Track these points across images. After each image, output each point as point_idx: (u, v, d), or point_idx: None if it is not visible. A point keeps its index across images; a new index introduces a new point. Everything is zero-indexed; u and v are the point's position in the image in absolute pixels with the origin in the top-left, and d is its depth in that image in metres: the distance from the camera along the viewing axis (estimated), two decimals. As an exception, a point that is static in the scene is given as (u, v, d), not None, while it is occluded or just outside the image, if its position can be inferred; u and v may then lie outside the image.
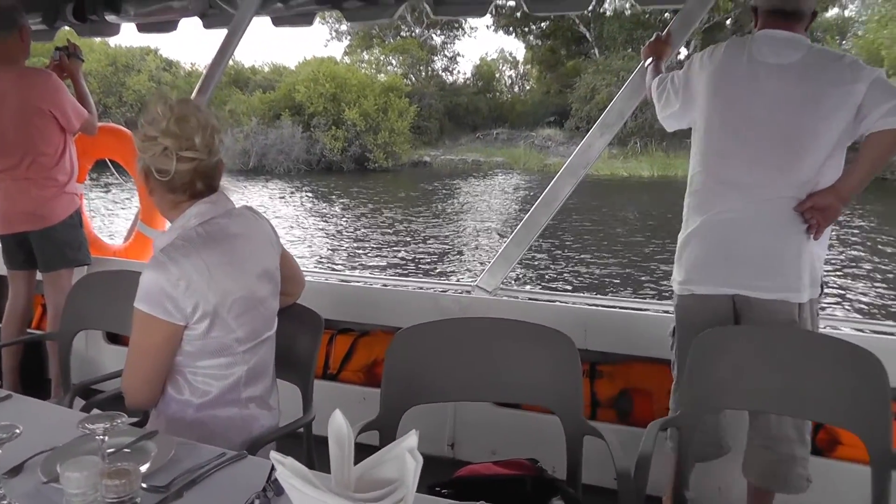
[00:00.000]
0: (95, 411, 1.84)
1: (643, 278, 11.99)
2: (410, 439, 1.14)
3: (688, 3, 3.07)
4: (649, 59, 2.97)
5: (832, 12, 33.46)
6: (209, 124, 1.83)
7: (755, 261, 2.35)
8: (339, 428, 1.15)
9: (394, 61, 39.60)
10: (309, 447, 2.25)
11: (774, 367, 2.14)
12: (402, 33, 40.33)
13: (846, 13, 34.07)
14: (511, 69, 43.54)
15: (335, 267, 13.22)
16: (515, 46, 72.28)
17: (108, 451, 1.40)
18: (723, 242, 2.39)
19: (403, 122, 32.78)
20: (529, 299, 3.60)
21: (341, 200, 22.31)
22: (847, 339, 2.09)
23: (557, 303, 3.55)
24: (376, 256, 14.17)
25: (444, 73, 41.05)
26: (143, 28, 4.39)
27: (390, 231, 17.13)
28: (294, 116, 32.35)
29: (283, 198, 23.01)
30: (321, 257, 14.06)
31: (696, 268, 2.46)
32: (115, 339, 4.11)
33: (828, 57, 2.32)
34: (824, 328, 3.17)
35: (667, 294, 9.80)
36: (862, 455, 2.00)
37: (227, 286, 1.84)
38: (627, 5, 31.99)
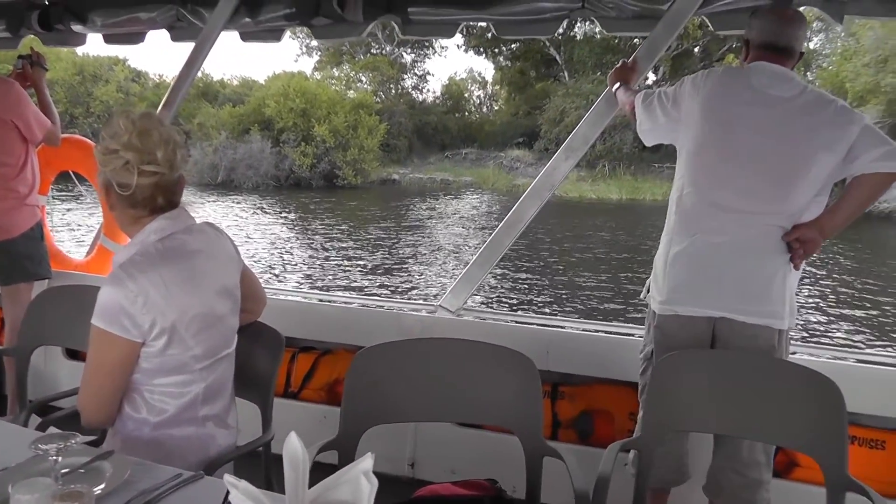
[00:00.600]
0: (52, 429, 1.82)
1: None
2: (366, 462, 1.14)
3: (654, 30, 3.13)
4: (616, 85, 3.01)
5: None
6: (171, 139, 1.83)
7: (743, 285, 2.37)
8: (293, 451, 1.15)
9: (364, 78, 39.72)
10: (267, 467, 2.23)
11: (737, 391, 2.18)
12: (373, 50, 40.45)
13: (811, 45, 34.84)
14: (480, 89, 44.00)
15: (298, 284, 13.18)
16: (484, 66, 73.07)
17: (62, 471, 1.38)
18: (712, 264, 2.40)
19: (373, 139, 32.88)
20: (493, 320, 3.61)
21: (319, 220, 22.17)
22: (806, 366, 2.13)
23: (521, 324, 3.55)
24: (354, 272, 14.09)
25: (413, 92, 41.32)
26: (109, 39, 4.34)
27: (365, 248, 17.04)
28: (263, 131, 32.26)
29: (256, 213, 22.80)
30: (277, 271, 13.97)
31: (681, 288, 2.45)
32: (74, 354, 4.02)
33: (823, 97, 2.40)
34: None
35: (634, 317, 9.92)
36: (818, 477, 2.05)
37: (185, 303, 1.83)
38: (597, 30, 32.39)
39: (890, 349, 9.55)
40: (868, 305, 12.52)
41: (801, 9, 2.89)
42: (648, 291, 2.62)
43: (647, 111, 2.69)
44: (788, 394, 2.12)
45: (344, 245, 17.37)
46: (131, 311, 1.74)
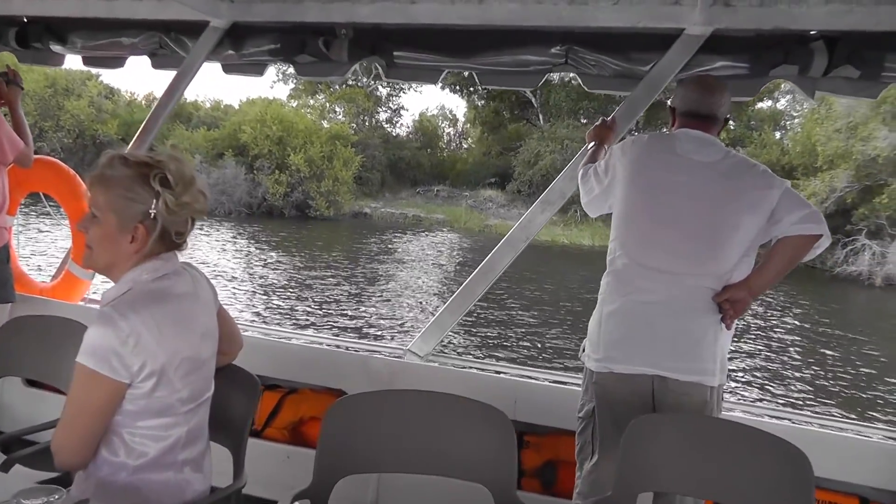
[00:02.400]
0: (18, 467, 1.75)
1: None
2: None
3: (634, 91, 3.20)
4: (591, 144, 3.08)
5: (765, 104, 35.12)
6: (204, 189, 1.90)
7: (675, 343, 2.44)
8: None
9: (338, 109, 39.82)
10: (238, 511, 2.20)
11: (705, 455, 2.21)
12: (349, 82, 40.67)
13: (778, 105, 35.81)
14: (450, 126, 44.41)
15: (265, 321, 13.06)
16: (455, 104, 73.66)
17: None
18: (644, 323, 2.47)
19: (348, 171, 32.80)
20: (461, 367, 3.60)
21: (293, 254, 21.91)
22: (776, 434, 2.16)
23: (489, 373, 3.54)
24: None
25: (387, 125, 41.54)
26: (88, 62, 4.33)
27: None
28: (238, 157, 32.02)
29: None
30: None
31: (616, 346, 2.51)
32: (33, 382, 3.89)
33: (745, 162, 2.54)
34: (737, 413, 3.30)
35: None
36: None
37: (175, 345, 1.82)
38: (569, 76, 32.92)
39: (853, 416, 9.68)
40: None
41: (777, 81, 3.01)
42: (584, 351, 2.67)
43: (585, 185, 2.83)
44: (757, 459, 2.16)
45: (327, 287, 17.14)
46: (122, 352, 1.70)
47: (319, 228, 28.84)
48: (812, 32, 2.97)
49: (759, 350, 13.73)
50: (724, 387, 2.57)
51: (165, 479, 1.88)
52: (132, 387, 1.75)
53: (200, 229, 24.00)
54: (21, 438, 2.41)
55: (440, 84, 38.42)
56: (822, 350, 14.23)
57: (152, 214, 1.80)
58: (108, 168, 1.80)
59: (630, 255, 2.53)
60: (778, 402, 10.32)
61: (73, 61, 4.38)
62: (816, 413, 3.45)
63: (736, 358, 12.73)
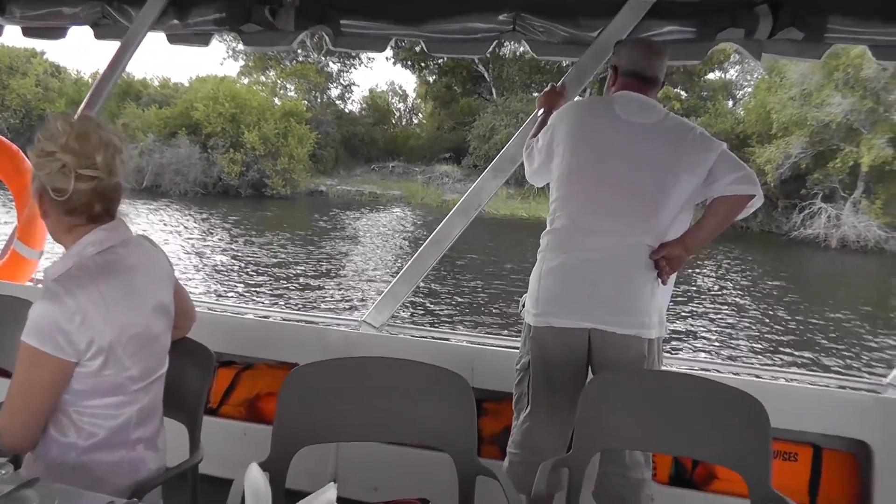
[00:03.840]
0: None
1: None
2: (329, 492, 1.11)
3: (582, 57, 3.21)
4: (541, 110, 3.10)
5: (714, 75, 35.54)
6: (111, 143, 1.74)
7: (613, 298, 2.51)
8: (255, 483, 1.14)
9: (290, 86, 39.33)
10: (194, 488, 2.17)
11: (665, 410, 2.26)
12: (300, 58, 40.15)
13: (727, 76, 36.26)
14: (401, 102, 44.23)
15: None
16: (405, 80, 73.34)
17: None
18: (583, 280, 2.52)
19: (303, 148, 32.50)
20: (416, 336, 3.59)
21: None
22: (731, 385, 2.22)
23: (445, 340, 3.54)
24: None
25: (338, 102, 41.19)
26: (28, 32, 4.16)
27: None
28: (191, 135, 31.47)
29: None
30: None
31: (555, 302, 2.56)
32: None
33: (684, 124, 2.62)
34: (697, 369, 3.42)
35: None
36: (737, 489, 2.10)
37: (124, 321, 1.76)
38: (521, 49, 32.95)
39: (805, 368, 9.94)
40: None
41: (723, 45, 3.04)
42: (524, 307, 2.73)
43: (528, 158, 2.91)
44: (715, 412, 2.21)
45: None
46: (68, 329, 1.65)
47: (276, 207, 28.52)
48: None
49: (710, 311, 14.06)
50: (664, 340, 2.68)
51: (118, 458, 1.84)
52: (79, 365, 1.70)
53: (153, 212, 23.66)
54: None
55: (391, 60, 38.70)
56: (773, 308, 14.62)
57: (35, 180, 1.74)
58: None
59: (570, 216, 2.59)
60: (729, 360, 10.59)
61: (12, 32, 4.21)
62: (766, 366, 3.53)
63: (687, 317, 13.00)
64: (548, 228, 2.66)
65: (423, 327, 3.85)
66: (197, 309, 2.28)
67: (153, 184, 29.80)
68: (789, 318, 14.02)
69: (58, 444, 1.79)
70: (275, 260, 17.14)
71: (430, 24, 3.43)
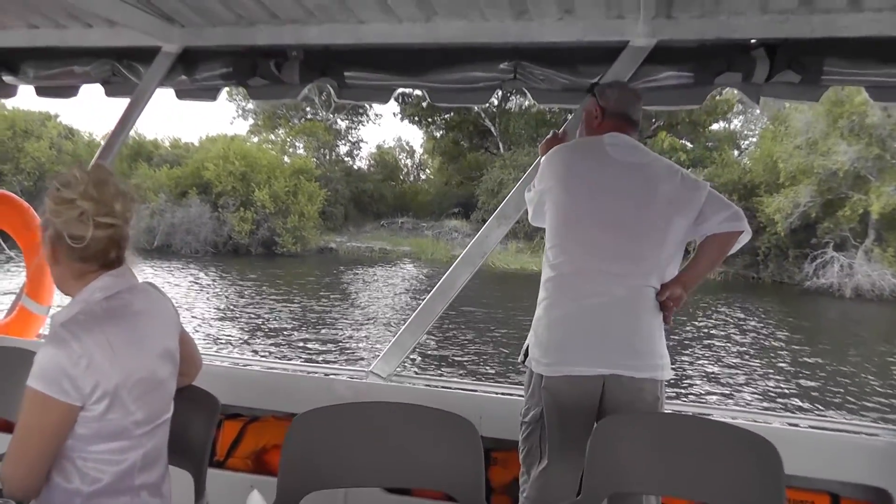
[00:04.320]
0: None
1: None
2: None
3: (582, 103, 3.26)
4: (544, 157, 3.09)
5: (719, 125, 35.91)
6: (127, 192, 1.80)
7: (627, 342, 2.50)
8: None
9: (299, 144, 39.84)
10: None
11: (678, 453, 2.23)
12: (308, 116, 40.67)
13: (731, 126, 36.60)
14: (408, 158, 44.79)
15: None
16: (412, 136, 74.09)
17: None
18: (595, 325, 2.50)
19: (313, 206, 32.73)
20: (424, 386, 3.57)
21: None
22: (747, 428, 2.19)
23: (452, 389, 3.52)
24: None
25: (347, 159, 41.63)
26: (41, 92, 4.29)
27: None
28: (202, 194, 31.79)
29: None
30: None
31: (567, 349, 2.53)
32: None
33: (672, 165, 2.68)
34: (709, 414, 3.38)
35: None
36: None
37: (130, 365, 1.77)
38: (527, 103, 33.38)
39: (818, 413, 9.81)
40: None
41: (721, 90, 3.12)
42: (527, 356, 2.68)
43: (528, 203, 2.92)
44: (728, 456, 2.18)
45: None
46: (73, 374, 1.65)
47: (287, 265, 28.56)
48: (752, 41, 3.06)
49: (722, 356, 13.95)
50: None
51: None
52: (84, 409, 1.71)
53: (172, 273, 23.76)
54: None
55: (399, 115, 39.21)
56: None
57: (49, 228, 1.77)
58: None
59: (574, 260, 2.58)
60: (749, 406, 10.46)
61: (26, 92, 4.35)
62: (781, 412, 3.48)
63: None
64: (550, 275, 2.63)
65: (430, 377, 3.82)
66: (204, 360, 2.28)
67: (164, 243, 30.00)
68: (811, 361, 13.88)
69: (62, 490, 1.78)
70: (288, 317, 17.15)
71: (432, 75, 3.50)
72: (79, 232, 1.73)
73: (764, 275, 27.22)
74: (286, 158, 36.90)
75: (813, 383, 12.41)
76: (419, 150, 44.95)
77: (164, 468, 1.98)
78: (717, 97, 31.03)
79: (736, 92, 3.22)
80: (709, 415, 3.45)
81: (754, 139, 34.36)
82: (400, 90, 3.72)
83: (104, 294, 1.80)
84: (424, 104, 35.59)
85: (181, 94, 3.99)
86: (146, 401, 1.83)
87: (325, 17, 3.48)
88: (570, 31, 3.25)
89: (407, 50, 3.51)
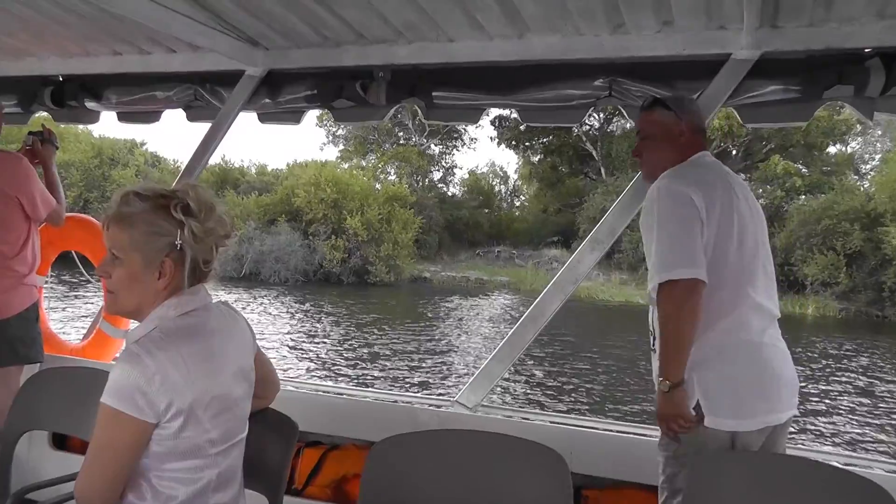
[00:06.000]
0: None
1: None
2: None
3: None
4: None
5: (834, 148, 34.67)
6: (225, 213, 1.95)
7: (794, 382, 2.46)
8: None
9: (391, 169, 40.33)
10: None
11: (771, 492, 2.14)
12: (401, 141, 41.15)
13: (848, 149, 35.27)
14: (501, 184, 44.66)
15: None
16: (507, 160, 73.91)
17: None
18: (771, 369, 2.41)
19: (408, 234, 32.86)
20: (512, 417, 3.54)
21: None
22: (861, 474, 2.10)
23: (542, 421, 3.48)
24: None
25: (441, 185, 41.94)
26: (123, 117, 4.48)
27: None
28: (291, 222, 32.37)
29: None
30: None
31: (748, 401, 2.36)
32: (61, 444, 3.89)
33: None
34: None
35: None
36: None
37: (204, 383, 1.83)
38: (629, 125, 32.90)
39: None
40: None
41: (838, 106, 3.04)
42: (700, 411, 2.37)
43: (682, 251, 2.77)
44: (822, 495, 2.11)
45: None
46: (147, 391, 1.72)
47: (380, 295, 28.58)
48: (867, 50, 2.95)
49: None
50: None
51: None
52: (159, 427, 1.77)
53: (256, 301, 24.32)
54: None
55: (496, 140, 39.26)
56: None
57: (178, 246, 1.83)
58: (125, 205, 1.83)
59: (739, 294, 2.40)
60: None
61: (110, 119, 4.55)
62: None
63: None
64: (723, 321, 2.37)
65: (518, 409, 3.78)
66: (285, 386, 2.34)
67: (252, 271, 30.47)
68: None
69: None
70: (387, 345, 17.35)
71: (523, 93, 3.50)
72: (209, 257, 1.92)
73: (890, 313, 25.88)
74: (377, 185, 37.31)
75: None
76: (513, 176, 45.06)
77: (238, 489, 2.03)
78: (836, 116, 29.75)
79: (848, 107, 3.11)
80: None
81: (875, 163, 32.97)
82: (496, 112, 3.74)
83: (178, 311, 1.87)
84: (522, 127, 35.63)
85: (264, 118, 4.11)
86: (221, 419, 1.89)
87: (414, 37, 3.54)
88: (669, 43, 3.20)
89: (498, 68, 3.53)
